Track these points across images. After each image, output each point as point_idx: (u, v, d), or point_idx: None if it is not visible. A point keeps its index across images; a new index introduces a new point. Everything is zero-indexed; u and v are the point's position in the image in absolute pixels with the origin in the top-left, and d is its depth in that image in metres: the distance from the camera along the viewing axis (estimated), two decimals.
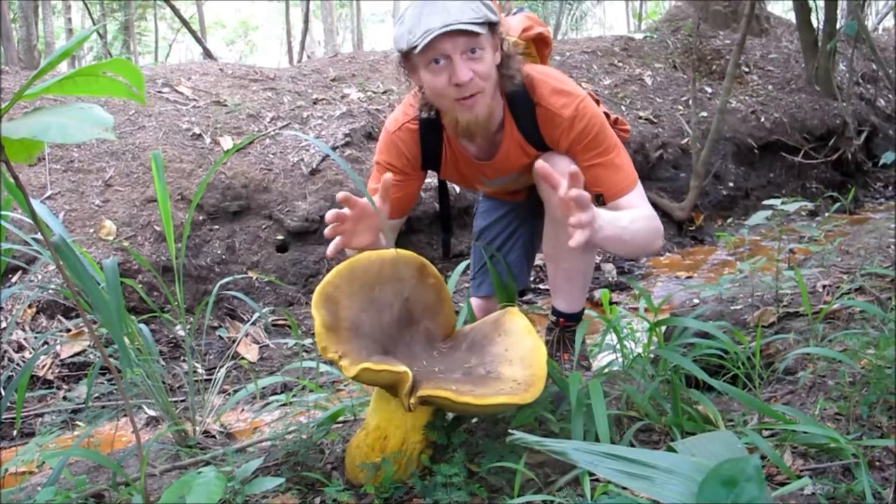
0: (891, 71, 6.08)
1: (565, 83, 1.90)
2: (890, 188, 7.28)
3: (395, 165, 2.01)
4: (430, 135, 1.98)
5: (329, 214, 1.62)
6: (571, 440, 1.50)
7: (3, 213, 1.35)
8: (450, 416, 1.63)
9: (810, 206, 2.44)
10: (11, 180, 1.09)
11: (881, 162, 3.63)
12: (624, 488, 1.07)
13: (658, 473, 0.73)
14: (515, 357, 1.53)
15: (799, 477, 1.35)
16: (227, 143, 4.65)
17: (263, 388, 2.18)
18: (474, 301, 2.46)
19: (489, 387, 1.42)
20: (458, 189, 4.58)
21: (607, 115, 2.02)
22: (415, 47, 1.71)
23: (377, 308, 1.58)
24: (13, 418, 2.84)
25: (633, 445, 1.56)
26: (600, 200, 1.89)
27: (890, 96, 7.95)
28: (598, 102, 2.01)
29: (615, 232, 1.68)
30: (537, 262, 4.19)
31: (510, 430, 0.97)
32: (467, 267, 2.39)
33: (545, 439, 0.84)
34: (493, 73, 1.79)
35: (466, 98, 1.76)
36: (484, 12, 1.72)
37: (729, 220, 6.04)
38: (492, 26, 1.75)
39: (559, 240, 1.99)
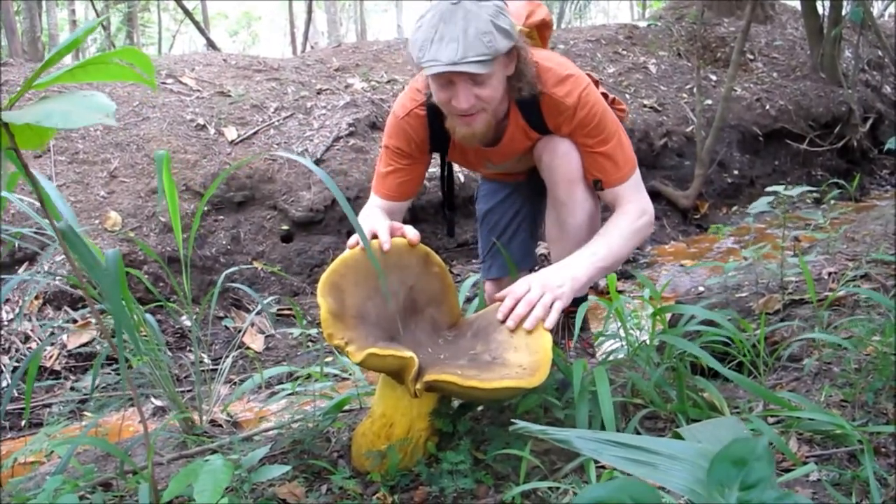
0: None
1: (567, 68, 1.91)
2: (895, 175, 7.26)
3: (404, 150, 2.03)
4: (439, 121, 1.98)
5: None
6: (576, 428, 1.50)
7: (5, 198, 1.36)
8: (455, 403, 1.64)
9: (815, 191, 2.44)
10: (19, 167, 1.10)
11: (886, 147, 3.63)
12: (629, 475, 1.08)
13: (662, 460, 0.73)
14: (520, 343, 1.53)
15: (804, 463, 1.36)
16: (231, 133, 4.65)
17: (269, 377, 2.20)
18: (486, 284, 2.50)
19: (495, 372, 1.42)
20: (462, 178, 4.58)
21: (605, 96, 2.06)
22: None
23: (382, 296, 1.59)
24: (21, 409, 2.86)
25: (638, 432, 1.56)
26: (598, 185, 1.94)
27: None
28: (597, 84, 2.04)
29: (595, 270, 1.79)
30: (542, 250, 4.19)
31: (513, 420, 0.97)
32: (474, 283, 2.43)
33: (549, 428, 0.85)
34: (498, 93, 1.80)
35: (466, 115, 1.79)
36: (496, 46, 1.69)
37: (734, 209, 6.03)
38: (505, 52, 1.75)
39: (561, 223, 2.01)
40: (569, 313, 2.14)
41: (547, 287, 1.65)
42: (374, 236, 1.66)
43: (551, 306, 1.61)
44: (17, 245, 3.50)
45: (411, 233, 1.69)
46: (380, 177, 2.09)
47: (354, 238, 1.64)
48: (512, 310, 1.61)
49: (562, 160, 1.93)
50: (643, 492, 0.62)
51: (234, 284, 2.43)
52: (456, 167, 2.54)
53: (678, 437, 1.01)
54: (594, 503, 0.63)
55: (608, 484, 0.65)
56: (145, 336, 1.84)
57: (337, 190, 1.35)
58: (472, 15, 1.67)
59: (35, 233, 1.74)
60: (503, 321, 1.60)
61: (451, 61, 1.67)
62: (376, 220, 1.80)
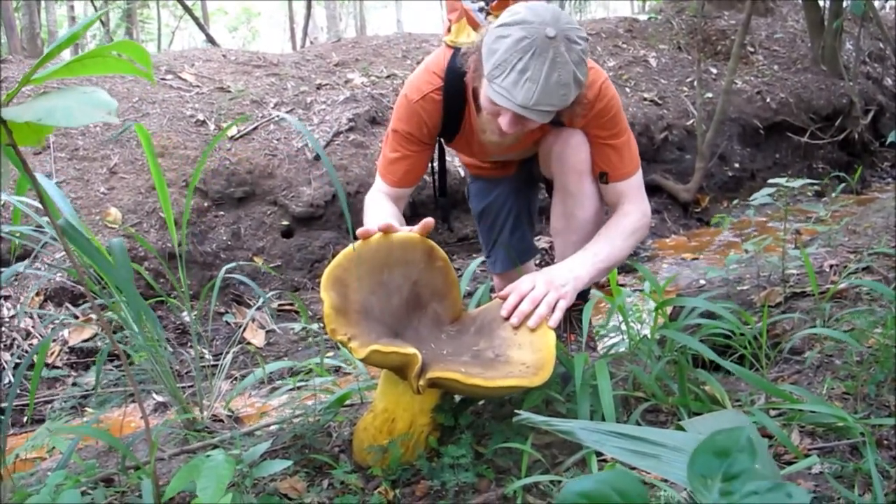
0: None
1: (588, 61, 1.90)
2: None
3: (414, 135, 1.99)
4: (454, 108, 1.96)
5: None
6: (578, 420, 1.50)
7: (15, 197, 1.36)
8: (457, 397, 1.64)
9: (816, 184, 2.43)
10: (20, 165, 1.09)
11: (888, 140, 3.63)
12: (632, 468, 1.07)
13: (665, 452, 0.73)
14: (524, 341, 1.53)
15: (807, 456, 1.35)
16: (231, 129, 4.65)
17: (271, 372, 2.19)
18: (494, 278, 2.55)
19: (498, 370, 1.42)
20: (462, 172, 4.57)
21: None
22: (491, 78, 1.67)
23: (386, 291, 1.58)
24: (23, 405, 2.86)
25: (639, 425, 1.56)
26: (604, 179, 1.94)
27: None
28: None
29: (597, 271, 1.79)
30: (544, 245, 4.18)
31: (517, 411, 0.97)
32: (481, 263, 2.47)
33: (552, 419, 0.84)
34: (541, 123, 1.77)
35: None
36: (567, 100, 1.66)
37: (735, 202, 6.01)
38: None
39: (569, 215, 2.01)
40: (571, 307, 2.14)
41: (551, 285, 1.65)
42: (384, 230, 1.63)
43: (555, 305, 1.61)
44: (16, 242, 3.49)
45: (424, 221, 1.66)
46: (387, 161, 2.05)
47: (364, 229, 1.63)
48: (516, 307, 1.60)
49: (573, 151, 1.93)
50: (629, 484, 0.62)
51: (234, 276, 2.42)
52: (454, 161, 2.54)
53: (680, 429, 1.01)
54: (579, 495, 0.62)
55: (594, 476, 0.64)
56: (147, 332, 1.83)
57: (336, 178, 1.35)
58: (560, 60, 1.61)
59: (36, 229, 1.73)
60: (507, 318, 1.59)
61: (522, 104, 1.62)
62: (384, 219, 1.77)
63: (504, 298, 1.64)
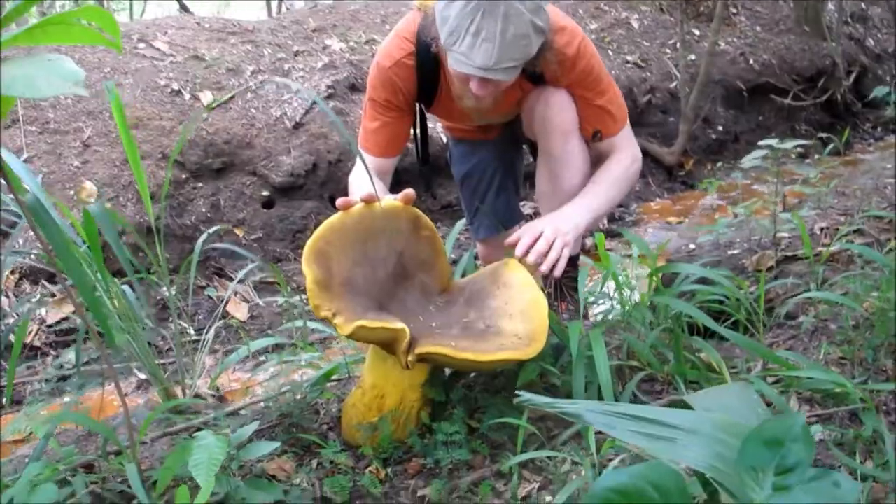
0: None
1: (562, 18, 1.87)
2: (879, 129, 7.22)
3: (392, 101, 1.96)
4: (429, 72, 1.92)
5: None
6: (572, 394, 1.46)
7: None
8: (448, 372, 1.59)
9: (807, 145, 2.40)
10: None
11: (871, 96, 3.61)
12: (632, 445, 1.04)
13: (680, 434, 0.68)
14: (515, 311, 1.48)
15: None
16: (206, 98, 4.53)
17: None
18: (478, 245, 2.53)
19: (490, 342, 1.37)
20: (444, 138, 4.50)
21: None
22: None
23: (371, 262, 1.52)
24: (1, 386, 2.79)
25: (635, 396, 1.53)
26: (597, 137, 1.94)
27: (879, 36, 7.84)
28: None
29: (593, 219, 1.85)
30: (528, 211, 4.13)
31: (517, 392, 0.92)
32: (465, 230, 2.42)
33: (556, 400, 0.79)
34: (513, 79, 1.73)
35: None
36: (529, 50, 1.64)
37: (719, 164, 5.99)
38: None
39: (555, 177, 1.97)
40: (562, 275, 2.10)
41: (558, 231, 1.66)
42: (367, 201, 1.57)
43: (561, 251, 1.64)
44: None
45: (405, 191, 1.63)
46: (367, 133, 2.01)
47: (344, 199, 1.56)
48: (531, 247, 1.62)
49: (556, 111, 1.90)
50: (666, 477, 0.57)
51: (217, 246, 2.35)
52: (437, 126, 2.49)
53: (684, 404, 0.96)
54: (612, 491, 0.57)
55: (628, 469, 0.60)
56: (124, 309, 1.77)
57: (339, 122, 1.28)
58: (513, 12, 1.58)
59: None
60: (523, 257, 1.61)
61: (483, 66, 1.61)
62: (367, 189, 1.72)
63: (513, 245, 1.65)
